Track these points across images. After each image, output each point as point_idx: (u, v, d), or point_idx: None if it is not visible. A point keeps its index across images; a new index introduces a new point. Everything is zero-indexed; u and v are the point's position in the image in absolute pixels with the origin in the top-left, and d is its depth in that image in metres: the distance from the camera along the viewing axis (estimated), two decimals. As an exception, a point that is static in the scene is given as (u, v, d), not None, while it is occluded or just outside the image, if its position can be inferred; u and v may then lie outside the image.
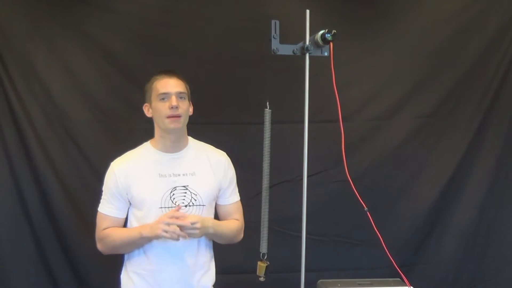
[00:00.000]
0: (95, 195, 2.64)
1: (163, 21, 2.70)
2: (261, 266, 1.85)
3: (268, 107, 1.80)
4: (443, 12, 2.87)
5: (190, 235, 1.82)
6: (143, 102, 2.00)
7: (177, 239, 1.78)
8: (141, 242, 1.89)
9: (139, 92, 2.68)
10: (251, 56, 2.66)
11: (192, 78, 2.01)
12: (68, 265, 2.68)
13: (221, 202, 2.03)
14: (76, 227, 2.66)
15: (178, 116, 1.88)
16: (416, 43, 2.86)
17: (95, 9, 2.66)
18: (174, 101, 1.87)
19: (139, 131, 2.65)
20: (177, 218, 1.80)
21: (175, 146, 1.96)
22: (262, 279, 1.84)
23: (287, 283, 2.03)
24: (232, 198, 2.04)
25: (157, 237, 1.81)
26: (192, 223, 1.79)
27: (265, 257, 1.87)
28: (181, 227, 1.78)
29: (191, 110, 1.99)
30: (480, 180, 2.92)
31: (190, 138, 2.03)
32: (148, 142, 2.01)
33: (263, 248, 1.86)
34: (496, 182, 2.94)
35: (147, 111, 1.99)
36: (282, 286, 2.30)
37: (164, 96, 1.89)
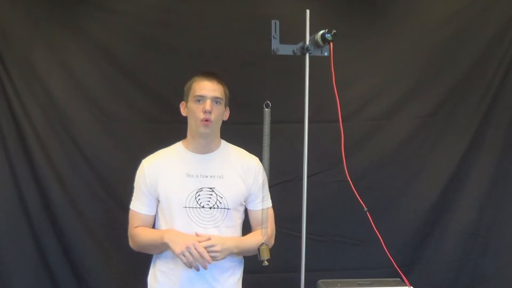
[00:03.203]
0: (95, 194, 2.67)
1: (163, 21, 2.70)
2: (262, 249, 1.85)
3: (267, 107, 1.80)
4: (443, 12, 2.87)
5: (212, 259, 1.80)
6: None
7: (190, 267, 1.79)
8: (162, 247, 1.89)
9: (139, 92, 2.70)
10: (251, 56, 2.66)
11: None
12: (68, 265, 2.68)
13: (251, 207, 2.02)
14: (76, 227, 2.66)
15: (208, 121, 1.88)
16: (416, 43, 2.85)
17: (95, 9, 2.66)
18: (208, 105, 1.87)
19: (139, 131, 2.68)
20: (201, 251, 1.78)
21: (206, 148, 1.97)
22: (265, 263, 1.84)
23: (287, 283, 2.02)
24: (262, 204, 2.01)
25: (174, 253, 1.81)
26: (211, 246, 1.79)
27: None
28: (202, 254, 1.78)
29: (226, 114, 2.01)
30: (480, 180, 2.92)
31: (223, 141, 2.04)
32: (180, 142, 2.02)
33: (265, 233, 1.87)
34: (496, 182, 2.93)
35: (183, 110, 1.99)
36: (282, 286, 2.30)
37: (200, 99, 1.90)
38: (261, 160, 1.92)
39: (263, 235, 1.90)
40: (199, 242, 1.80)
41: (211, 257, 1.80)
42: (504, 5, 2.87)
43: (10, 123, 2.59)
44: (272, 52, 1.71)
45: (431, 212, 2.90)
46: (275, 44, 1.71)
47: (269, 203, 2.05)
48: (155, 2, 2.73)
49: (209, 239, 1.83)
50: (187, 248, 1.76)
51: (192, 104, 1.91)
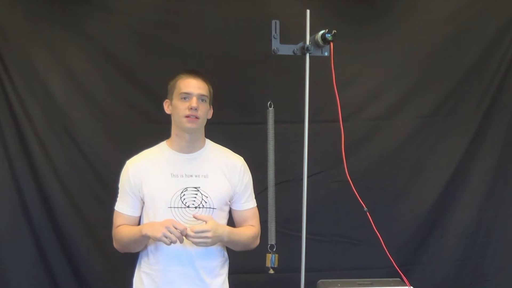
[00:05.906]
0: (95, 195, 2.68)
1: (163, 21, 2.70)
2: (269, 257, 1.85)
3: (270, 107, 1.80)
4: (443, 12, 2.87)
5: (200, 244, 1.80)
6: (164, 98, 1.99)
7: (175, 243, 1.77)
8: (143, 240, 1.88)
9: (139, 92, 2.70)
10: (251, 56, 2.66)
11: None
12: (68, 265, 2.67)
13: (236, 207, 2.01)
14: (76, 227, 2.66)
15: (196, 118, 1.88)
16: (416, 43, 2.85)
17: (95, 9, 2.66)
18: (194, 102, 1.87)
19: (139, 131, 2.68)
20: (180, 229, 1.77)
21: (190, 146, 1.96)
22: (271, 271, 1.84)
23: (287, 283, 2.02)
24: (247, 204, 2.02)
25: (156, 239, 1.80)
26: (204, 231, 1.78)
27: (274, 248, 1.87)
28: (187, 236, 1.77)
29: (210, 113, 2.00)
30: (480, 180, 2.92)
31: (208, 140, 2.03)
32: (164, 141, 2.01)
33: (272, 239, 1.87)
34: (496, 182, 2.93)
35: (167, 108, 1.99)
36: (282, 286, 2.30)
37: (186, 96, 1.90)
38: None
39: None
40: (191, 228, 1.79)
41: (202, 242, 1.79)
42: (504, 5, 2.87)
43: (10, 123, 2.59)
44: (272, 52, 1.72)
45: (431, 212, 2.90)
46: (275, 44, 1.71)
47: (254, 203, 2.04)
48: (155, 2, 2.73)
49: (205, 222, 1.81)
50: (166, 228, 1.76)
51: (177, 102, 1.91)
